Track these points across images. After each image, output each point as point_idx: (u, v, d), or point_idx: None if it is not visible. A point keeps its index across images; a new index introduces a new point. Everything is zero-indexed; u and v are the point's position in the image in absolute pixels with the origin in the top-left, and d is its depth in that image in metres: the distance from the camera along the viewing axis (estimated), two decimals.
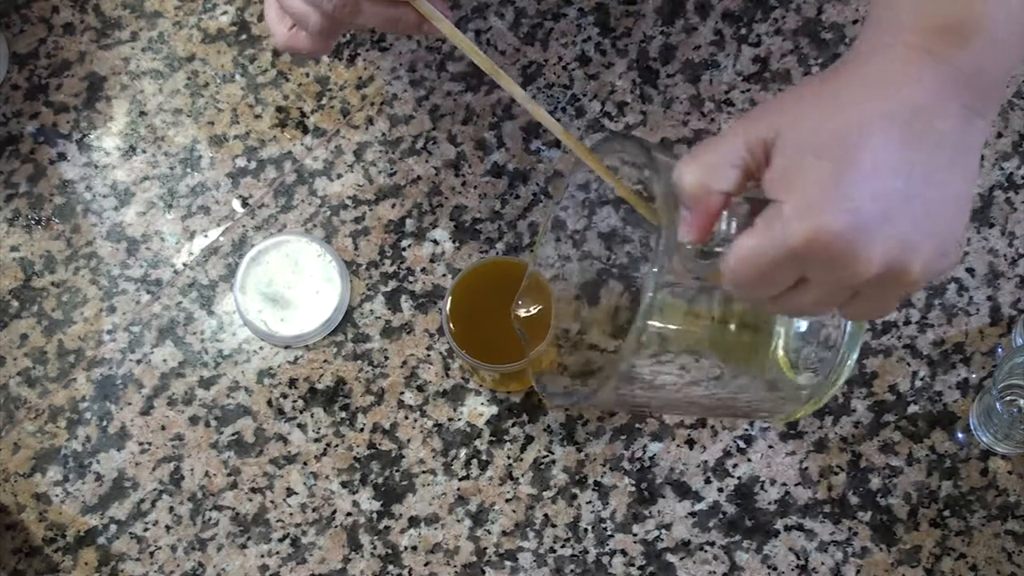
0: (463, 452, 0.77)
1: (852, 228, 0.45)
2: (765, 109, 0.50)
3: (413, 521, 0.76)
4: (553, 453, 0.76)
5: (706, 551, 0.74)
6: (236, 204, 0.82)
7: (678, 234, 0.50)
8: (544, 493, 0.76)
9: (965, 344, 0.76)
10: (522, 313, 0.65)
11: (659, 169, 0.54)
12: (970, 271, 0.78)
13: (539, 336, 0.67)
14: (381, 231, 0.81)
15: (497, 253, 0.80)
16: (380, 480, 0.76)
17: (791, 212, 0.46)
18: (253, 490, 0.77)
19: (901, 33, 0.49)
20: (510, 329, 0.69)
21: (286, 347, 0.79)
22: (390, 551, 0.75)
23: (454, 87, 0.83)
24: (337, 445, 0.77)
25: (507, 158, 0.81)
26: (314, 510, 0.76)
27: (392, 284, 0.80)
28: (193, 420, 0.78)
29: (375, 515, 0.76)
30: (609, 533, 0.75)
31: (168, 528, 0.76)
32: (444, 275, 0.80)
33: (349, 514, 0.76)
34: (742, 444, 0.75)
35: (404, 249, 0.80)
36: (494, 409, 0.77)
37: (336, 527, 0.76)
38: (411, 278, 0.80)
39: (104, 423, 0.78)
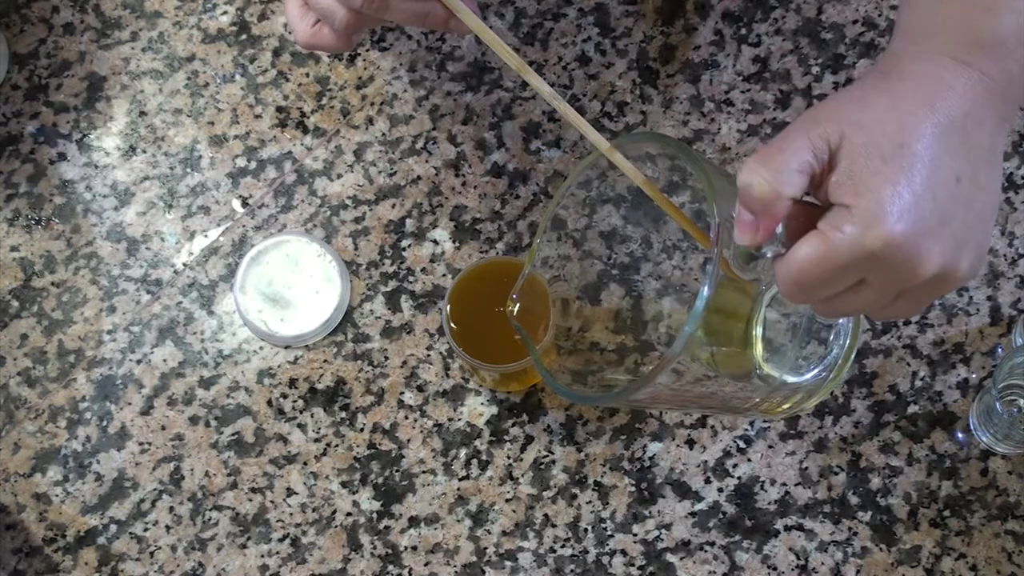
0: (463, 452, 0.77)
1: (921, 233, 0.48)
2: (826, 111, 0.51)
3: (413, 521, 0.76)
4: (553, 453, 0.76)
5: (706, 551, 0.74)
6: (236, 204, 0.82)
7: (735, 236, 0.51)
8: (544, 493, 0.76)
9: (965, 344, 0.76)
10: (515, 311, 0.65)
11: (698, 162, 0.54)
12: None
13: (535, 334, 0.67)
14: (381, 231, 0.81)
15: (497, 253, 0.80)
16: (380, 480, 0.76)
17: (862, 217, 0.48)
18: (253, 490, 0.77)
19: (943, 46, 0.52)
20: (510, 329, 0.69)
21: (286, 347, 0.79)
22: (390, 551, 0.75)
23: (454, 87, 0.83)
24: (337, 445, 0.77)
25: (507, 158, 0.81)
26: (314, 510, 0.76)
27: (392, 284, 0.80)
28: (193, 420, 0.78)
29: (375, 515, 0.76)
30: (609, 533, 0.75)
31: (168, 528, 0.76)
32: (444, 275, 0.80)
33: (349, 514, 0.76)
34: (742, 444, 0.75)
35: (404, 249, 0.80)
36: (494, 409, 0.77)
37: (336, 527, 0.76)
38: (411, 278, 0.80)
39: (104, 423, 0.78)
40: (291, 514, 0.76)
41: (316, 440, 0.77)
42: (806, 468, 0.75)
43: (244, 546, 0.76)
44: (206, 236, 0.81)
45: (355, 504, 0.76)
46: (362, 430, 0.77)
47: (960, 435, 0.75)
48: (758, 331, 0.61)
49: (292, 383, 0.78)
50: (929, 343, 0.76)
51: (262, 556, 0.75)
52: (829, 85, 0.81)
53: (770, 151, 0.50)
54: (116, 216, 0.82)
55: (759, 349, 0.61)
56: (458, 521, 0.75)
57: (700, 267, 0.72)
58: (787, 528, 0.74)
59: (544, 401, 0.77)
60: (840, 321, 0.62)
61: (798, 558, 0.74)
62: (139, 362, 0.79)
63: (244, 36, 0.85)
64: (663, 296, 0.72)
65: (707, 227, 0.53)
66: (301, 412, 0.78)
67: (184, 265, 0.81)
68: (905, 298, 0.51)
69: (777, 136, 0.51)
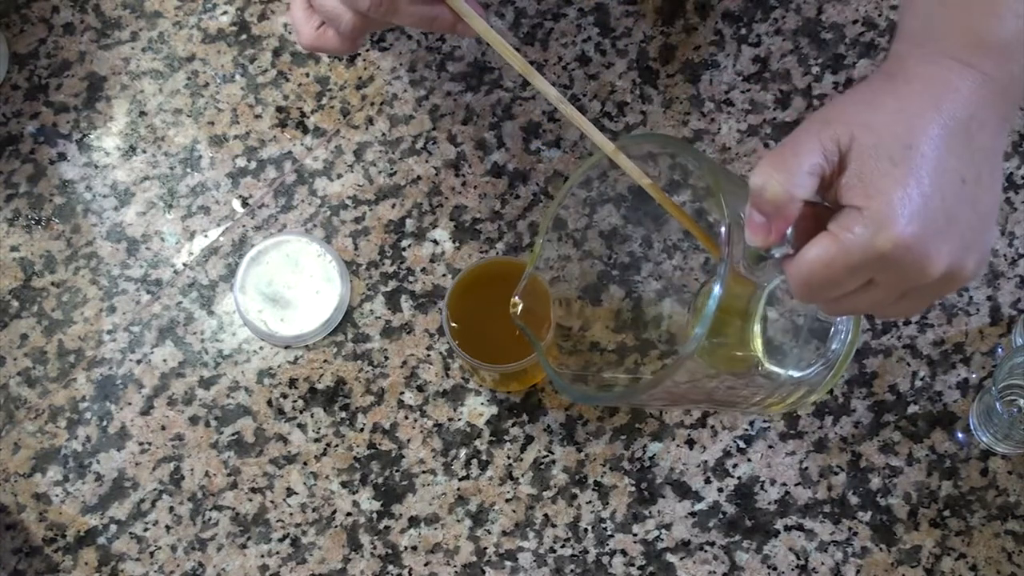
0: (463, 452, 0.77)
1: (930, 234, 0.48)
2: (834, 113, 0.52)
3: (413, 521, 0.76)
4: (553, 453, 0.76)
5: (706, 551, 0.74)
6: (236, 204, 0.82)
7: (746, 238, 0.51)
8: (544, 493, 0.76)
9: (965, 344, 0.76)
10: (519, 311, 0.65)
11: (705, 162, 0.54)
12: None
13: (537, 334, 0.67)
14: (381, 231, 0.81)
15: (497, 253, 0.80)
16: (380, 480, 0.76)
17: (873, 218, 0.48)
18: (253, 490, 0.77)
19: (947, 49, 0.52)
20: (510, 329, 0.69)
21: (286, 347, 0.79)
22: (390, 551, 0.75)
23: (454, 87, 0.83)
24: (337, 445, 0.77)
25: (507, 158, 0.81)
26: (314, 510, 0.76)
27: (392, 284, 0.80)
28: (193, 420, 0.78)
29: (375, 515, 0.76)
30: (609, 533, 0.75)
31: (168, 528, 0.76)
32: (444, 275, 0.80)
33: (349, 514, 0.76)
34: (742, 444, 0.75)
35: (404, 249, 0.80)
36: (494, 409, 0.77)
37: (336, 527, 0.76)
38: (411, 278, 0.80)
39: (104, 423, 0.78)
40: (291, 514, 0.76)
41: (316, 440, 0.77)
42: (806, 468, 0.75)
43: (244, 546, 0.76)
44: (206, 236, 0.81)
45: (355, 504, 0.76)
46: (362, 430, 0.77)
47: (960, 435, 0.75)
48: (757, 328, 0.62)
49: (292, 383, 0.78)
50: (929, 343, 0.77)
51: (262, 556, 0.75)
52: (829, 85, 0.81)
53: (781, 153, 0.50)
54: (116, 216, 0.82)
55: (759, 346, 0.61)
56: (458, 521, 0.75)
57: (701, 267, 0.72)
58: (787, 528, 0.74)
59: (544, 401, 0.77)
60: (840, 317, 0.62)
61: (798, 558, 0.74)
62: (139, 362, 0.79)
63: (244, 36, 0.85)
64: (664, 296, 0.72)
65: (708, 226, 0.53)
66: (301, 412, 0.78)
67: (184, 265, 0.81)
68: (911, 297, 0.51)
69: (786, 138, 0.51)
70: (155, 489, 0.77)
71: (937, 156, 0.49)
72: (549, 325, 0.68)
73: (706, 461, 0.75)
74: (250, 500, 0.76)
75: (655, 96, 0.82)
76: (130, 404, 0.78)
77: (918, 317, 0.77)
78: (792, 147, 0.50)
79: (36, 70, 0.85)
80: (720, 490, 0.75)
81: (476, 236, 0.80)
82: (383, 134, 0.82)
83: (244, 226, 0.81)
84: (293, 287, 0.79)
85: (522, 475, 0.76)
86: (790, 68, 0.82)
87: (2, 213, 0.82)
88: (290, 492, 0.76)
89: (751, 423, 0.76)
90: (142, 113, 0.84)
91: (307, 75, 0.84)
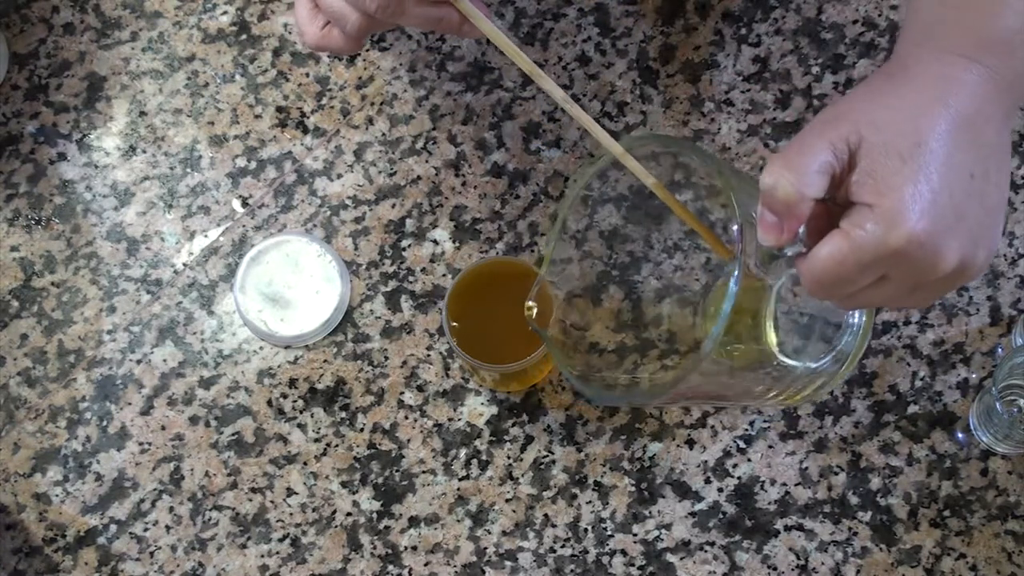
0: (463, 452, 0.77)
1: (941, 229, 0.49)
2: (842, 111, 0.52)
3: (413, 521, 0.76)
4: (553, 453, 0.76)
5: (706, 551, 0.74)
6: (236, 204, 0.82)
7: (759, 237, 0.52)
8: (544, 493, 0.76)
9: (965, 344, 0.76)
10: (533, 315, 0.66)
11: (711, 161, 0.55)
12: None
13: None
14: (381, 231, 0.81)
15: (497, 253, 0.80)
16: (380, 480, 0.76)
17: (885, 216, 0.49)
18: (253, 490, 0.77)
19: (949, 46, 0.53)
20: (510, 329, 0.69)
21: (286, 347, 0.79)
22: (390, 551, 0.75)
23: (454, 87, 0.83)
24: (337, 445, 0.77)
25: (507, 158, 0.81)
26: (314, 510, 0.76)
27: (392, 284, 0.80)
28: (193, 420, 0.78)
29: (375, 515, 0.76)
30: (609, 533, 0.75)
31: (168, 528, 0.76)
32: (444, 275, 0.80)
33: (349, 514, 0.76)
34: (742, 444, 0.75)
35: (404, 249, 0.80)
36: (494, 409, 0.77)
37: (336, 527, 0.76)
38: (411, 278, 0.80)
39: (104, 423, 0.78)
40: (291, 514, 0.76)
41: (316, 440, 0.77)
42: (806, 468, 0.75)
43: (244, 546, 0.76)
44: (206, 236, 0.81)
45: (355, 504, 0.76)
46: (362, 430, 0.77)
47: (960, 435, 0.75)
48: (769, 323, 0.62)
49: (292, 383, 0.78)
50: (929, 343, 0.77)
51: (262, 556, 0.75)
52: (829, 85, 0.81)
53: (792, 153, 0.51)
54: (116, 216, 0.82)
55: (772, 341, 0.62)
56: (458, 521, 0.75)
57: (701, 266, 0.72)
58: (787, 528, 0.74)
59: (544, 401, 0.77)
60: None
61: (798, 558, 0.74)
62: (139, 362, 0.79)
63: (244, 36, 0.85)
64: (664, 296, 0.72)
65: (712, 225, 0.54)
66: (301, 412, 0.78)
67: (184, 265, 0.81)
68: (922, 290, 0.52)
69: (795, 138, 0.52)
70: (155, 489, 0.77)
71: (945, 152, 0.50)
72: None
73: (706, 461, 0.75)
74: (250, 500, 0.76)
75: (655, 96, 0.82)
76: (130, 404, 0.78)
77: (918, 317, 0.77)
78: (801, 146, 0.51)
79: (36, 70, 0.85)
80: (720, 490, 0.75)
81: (476, 236, 0.80)
82: (383, 134, 0.82)
83: (244, 226, 0.81)
84: (293, 287, 0.79)
85: (522, 475, 0.76)
86: (790, 68, 0.82)
87: (2, 213, 0.82)
88: (290, 492, 0.76)
89: (751, 423, 0.76)
90: (142, 113, 0.84)
91: (307, 75, 0.84)
